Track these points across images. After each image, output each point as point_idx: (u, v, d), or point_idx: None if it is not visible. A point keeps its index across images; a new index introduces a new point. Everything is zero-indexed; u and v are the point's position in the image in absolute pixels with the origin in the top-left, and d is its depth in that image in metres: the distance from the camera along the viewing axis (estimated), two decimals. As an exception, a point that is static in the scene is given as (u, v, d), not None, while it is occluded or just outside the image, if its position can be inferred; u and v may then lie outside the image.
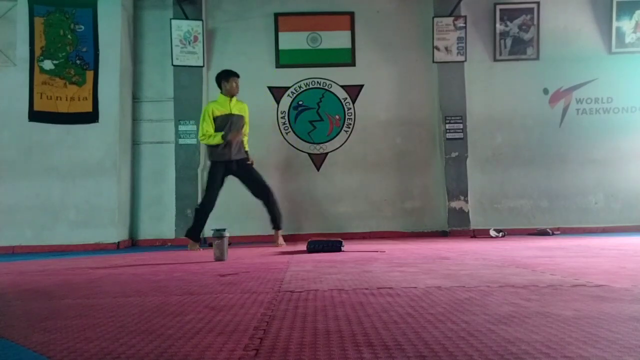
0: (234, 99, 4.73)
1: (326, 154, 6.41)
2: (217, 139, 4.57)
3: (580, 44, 6.47)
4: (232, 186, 6.25)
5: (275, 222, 4.78)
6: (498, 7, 6.40)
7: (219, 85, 4.74)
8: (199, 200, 6.11)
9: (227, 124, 4.61)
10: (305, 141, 6.43)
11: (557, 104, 6.43)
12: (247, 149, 4.84)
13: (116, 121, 5.77)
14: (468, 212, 6.15)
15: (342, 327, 1.11)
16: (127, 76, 6.08)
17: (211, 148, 4.66)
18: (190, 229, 4.71)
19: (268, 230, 6.11)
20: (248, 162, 4.75)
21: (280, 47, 6.45)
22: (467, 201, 6.16)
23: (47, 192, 5.62)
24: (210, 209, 4.72)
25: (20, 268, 3.17)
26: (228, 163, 4.66)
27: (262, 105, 6.37)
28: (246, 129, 4.84)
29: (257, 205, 6.20)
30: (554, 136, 6.37)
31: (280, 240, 4.79)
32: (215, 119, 4.61)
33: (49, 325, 1.23)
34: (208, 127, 4.60)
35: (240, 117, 4.72)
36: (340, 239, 3.89)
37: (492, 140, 6.39)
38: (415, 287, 1.69)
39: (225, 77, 4.69)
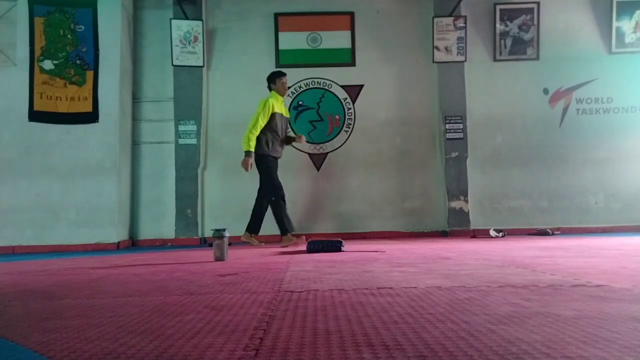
0: (282, 98, 4.96)
1: (326, 154, 6.41)
2: (251, 143, 4.64)
3: (580, 44, 6.47)
4: (232, 186, 6.28)
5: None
6: (498, 7, 6.40)
7: (271, 84, 4.90)
8: (199, 200, 6.13)
9: (282, 122, 4.83)
10: (305, 141, 6.42)
11: (557, 104, 6.42)
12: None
13: (116, 121, 5.76)
14: (468, 212, 6.14)
15: (342, 327, 1.11)
16: (127, 76, 6.08)
17: (267, 144, 4.73)
18: (278, 225, 4.78)
19: (268, 230, 6.15)
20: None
21: (280, 47, 6.45)
22: (467, 201, 6.16)
23: (47, 192, 5.62)
24: (282, 192, 4.78)
25: (20, 268, 3.17)
26: (277, 159, 4.89)
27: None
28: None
29: (257, 205, 6.24)
30: (554, 136, 6.37)
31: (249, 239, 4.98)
32: (273, 114, 4.71)
33: (49, 325, 1.23)
34: (264, 120, 4.67)
35: (287, 119, 5.03)
36: (340, 239, 3.89)
37: (492, 140, 6.38)
38: (415, 287, 1.69)
39: (278, 76, 4.87)
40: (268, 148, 4.74)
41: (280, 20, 6.46)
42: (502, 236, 5.53)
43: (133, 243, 6.07)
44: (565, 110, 6.42)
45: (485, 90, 6.40)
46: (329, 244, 3.74)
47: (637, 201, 6.25)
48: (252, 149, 4.63)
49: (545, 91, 6.43)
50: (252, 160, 4.64)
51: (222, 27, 6.48)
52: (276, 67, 6.43)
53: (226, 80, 6.43)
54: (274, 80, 4.87)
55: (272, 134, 4.76)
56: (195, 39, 6.07)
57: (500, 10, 6.40)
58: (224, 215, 6.17)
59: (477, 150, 6.32)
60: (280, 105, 4.85)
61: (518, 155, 6.35)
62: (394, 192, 6.36)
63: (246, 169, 4.66)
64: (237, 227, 5.75)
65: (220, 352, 0.94)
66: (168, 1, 6.27)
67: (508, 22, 6.42)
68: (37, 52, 5.76)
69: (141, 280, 2.19)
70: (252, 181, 6.29)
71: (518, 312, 1.23)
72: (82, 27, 5.83)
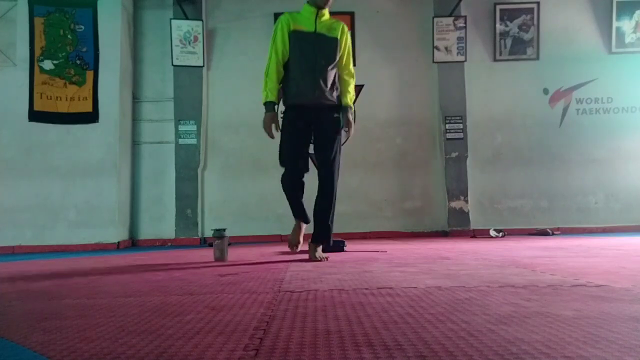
0: (325, 12, 3.10)
1: (326, 154, 6.39)
2: (269, 84, 2.99)
3: (580, 44, 6.47)
4: (232, 186, 6.28)
5: (315, 235, 3.23)
6: (498, 7, 6.40)
7: None
8: (199, 200, 6.13)
9: (308, 46, 2.96)
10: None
11: (557, 104, 6.43)
12: (347, 100, 3.06)
13: (116, 121, 5.76)
14: (468, 212, 6.14)
15: (342, 327, 1.11)
16: (127, 76, 6.08)
17: (284, 86, 3.07)
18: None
19: (268, 230, 6.16)
20: (335, 115, 3.03)
21: (280, 47, 6.43)
22: (467, 201, 6.16)
23: (47, 192, 5.62)
24: (295, 180, 3.25)
25: (20, 268, 3.17)
26: (307, 110, 2.99)
27: (262, 104, 6.36)
28: (346, 62, 3.12)
29: (257, 205, 6.24)
30: (554, 136, 6.37)
31: (318, 253, 3.12)
32: (291, 35, 2.97)
33: (49, 325, 1.23)
34: (278, 51, 2.96)
35: (331, 41, 3.02)
36: (342, 239, 3.89)
37: (492, 140, 6.39)
38: (415, 287, 1.69)
39: None
40: (288, 95, 3.07)
41: (280, 20, 6.45)
42: (502, 236, 5.53)
43: (133, 243, 6.07)
44: (565, 110, 6.42)
45: (485, 90, 6.40)
46: (332, 244, 3.73)
47: (637, 201, 6.25)
48: (269, 98, 3.00)
49: (545, 91, 6.43)
50: (270, 117, 3.03)
51: (222, 27, 6.48)
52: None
53: (226, 80, 6.43)
54: None
55: (296, 67, 2.97)
56: (195, 39, 6.07)
57: (500, 10, 6.40)
58: (224, 215, 6.17)
59: (477, 150, 6.32)
60: (310, 21, 3.02)
61: (518, 155, 6.35)
62: (394, 192, 6.36)
63: (268, 134, 3.13)
64: (237, 227, 5.78)
65: (220, 352, 0.94)
66: (168, 1, 6.27)
67: (508, 22, 6.42)
68: (37, 52, 5.76)
69: (141, 280, 2.19)
70: (252, 180, 6.33)
71: (518, 312, 1.22)
72: (82, 27, 5.83)
